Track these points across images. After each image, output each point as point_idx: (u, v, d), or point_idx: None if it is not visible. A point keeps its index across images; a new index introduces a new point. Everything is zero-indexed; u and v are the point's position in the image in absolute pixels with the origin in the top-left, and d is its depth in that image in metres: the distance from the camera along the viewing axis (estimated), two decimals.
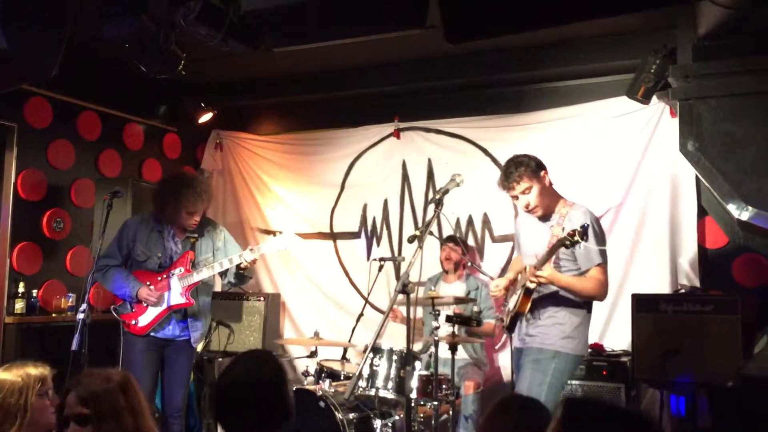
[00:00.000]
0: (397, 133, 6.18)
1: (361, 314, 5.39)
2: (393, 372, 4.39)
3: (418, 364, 4.56)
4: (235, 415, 2.36)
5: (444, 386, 4.46)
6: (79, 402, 2.22)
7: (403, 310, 3.75)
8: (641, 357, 4.39)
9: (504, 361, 5.52)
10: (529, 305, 3.66)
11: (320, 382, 4.71)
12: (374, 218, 6.27)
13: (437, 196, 3.85)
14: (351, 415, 4.43)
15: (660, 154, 5.15)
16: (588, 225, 3.46)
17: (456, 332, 4.44)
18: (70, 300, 5.68)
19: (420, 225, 5.93)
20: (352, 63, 5.82)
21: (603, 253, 3.66)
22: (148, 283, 4.44)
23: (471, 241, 5.85)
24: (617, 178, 5.28)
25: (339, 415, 4.35)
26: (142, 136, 6.54)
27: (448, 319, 4.43)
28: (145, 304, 4.42)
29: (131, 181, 5.58)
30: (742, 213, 4.58)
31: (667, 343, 4.24)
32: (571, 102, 5.53)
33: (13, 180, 5.45)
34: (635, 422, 1.46)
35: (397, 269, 6.01)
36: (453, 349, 4.41)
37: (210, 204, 4.85)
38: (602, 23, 4.69)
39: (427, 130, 6.09)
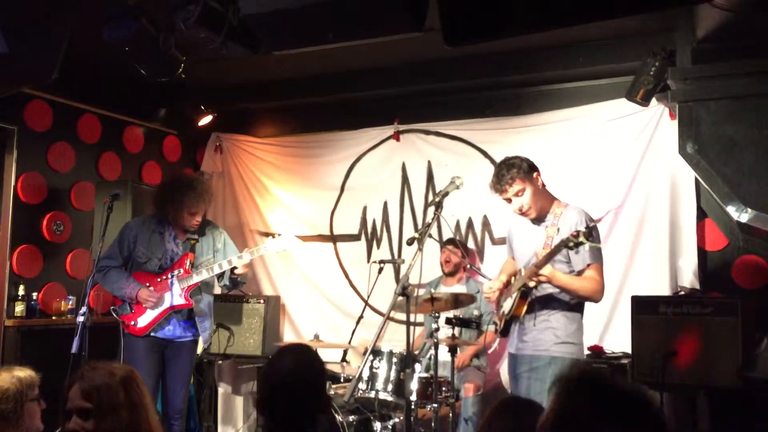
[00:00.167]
0: (396, 136, 6.18)
1: (361, 316, 5.39)
2: (393, 374, 4.39)
3: (418, 367, 4.56)
4: (282, 406, 2.39)
5: (444, 389, 4.47)
6: (82, 396, 2.22)
7: (402, 312, 3.75)
8: (641, 359, 4.39)
9: (504, 363, 5.51)
10: (525, 308, 3.62)
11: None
12: (374, 220, 6.27)
13: (437, 199, 3.85)
14: (351, 418, 4.43)
15: (659, 157, 5.16)
16: (593, 226, 3.44)
17: (456, 335, 4.45)
18: (70, 303, 5.68)
19: (420, 227, 5.93)
20: (351, 66, 5.82)
21: (598, 253, 3.63)
22: (148, 284, 4.46)
23: (471, 244, 5.85)
24: (616, 180, 5.28)
25: (339, 418, 4.35)
26: (142, 139, 6.55)
27: (448, 321, 4.43)
28: (144, 306, 4.43)
29: (131, 184, 5.59)
30: (741, 215, 4.58)
31: (666, 346, 4.24)
32: (571, 104, 5.53)
33: (13, 183, 5.45)
34: (635, 403, 1.46)
35: (397, 271, 6.01)
36: (453, 351, 4.41)
37: (211, 204, 4.87)
38: (601, 26, 4.69)
39: (427, 132, 6.09)
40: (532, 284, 3.58)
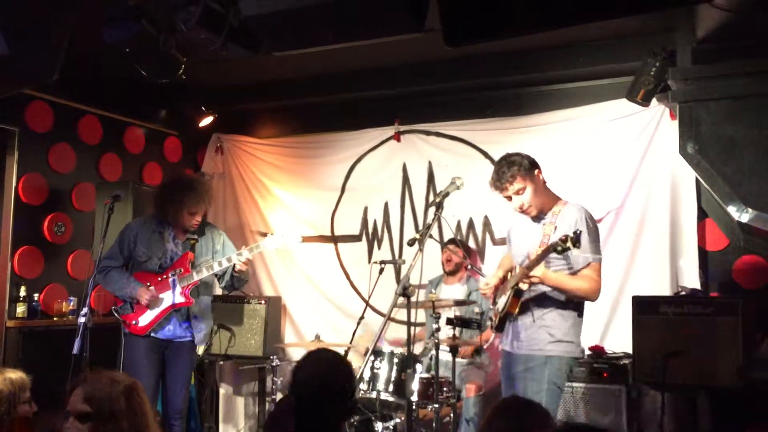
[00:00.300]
0: (397, 136, 6.18)
1: (362, 317, 5.39)
2: (394, 375, 4.39)
3: (419, 367, 4.56)
4: (309, 412, 2.39)
5: (445, 389, 4.47)
6: (84, 400, 2.24)
7: (403, 312, 3.75)
8: (642, 359, 4.39)
9: None
10: (518, 306, 3.60)
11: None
12: (375, 221, 6.27)
13: (438, 199, 3.85)
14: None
15: (660, 157, 5.16)
16: (581, 231, 3.39)
17: (457, 334, 4.45)
18: (72, 304, 5.69)
19: (420, 228, 5.92)
20: (352, 66, 5.83)
21: (596, 252, 3.59)
22: (148, 284, 4.49)
23: (472, 244, 5.85)
24: (617, 180, 5.28)
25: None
26: (143, 140, 6.55)
27: (449, 321, 4.43)
28: (142, 303, 4.46)
29: (132, 185, 5.59)
30: (742, 215, 4.59)
31: (667, 346, 4.24)
32: (571, 105, 5.53)
33: (14, 184, 5.46)
34: None
35: (398, 272, 6.01)
36: (454, 351, 4.41)
37: (211, 204, 4.89)
38: (602, 26, 4.69)
39: (428, 132, 6.10)
40: (524, 287, 3.56)
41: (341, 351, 5.36)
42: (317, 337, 5.33)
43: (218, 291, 5.36)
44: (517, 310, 3.60)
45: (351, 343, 5.39)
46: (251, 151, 6.75)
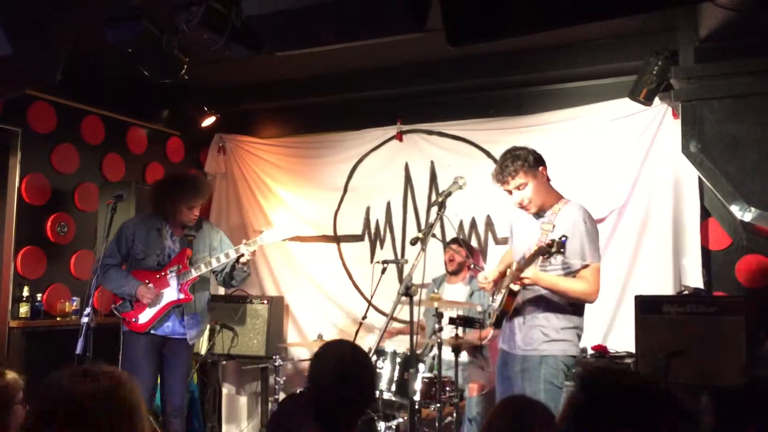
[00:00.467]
0: (399, 136, 6.19)
1: (365, 317, 5.39)
2: (396, 374, 4.39)
3: (421, 367, 4.56)
4: (329, 403, 2.39)
5: (448, 388, 4.47)
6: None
7: (406, 311, 3.74)
8: (645, 359, 4.38)
9: None
10: (513, 305, 3.57)
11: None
12: (377, 221, 6.28)
13: (440, 199, 3.85)
14: None
15: (662, 156, 5.15)
16: (566, 239, 3.36)
17: (459, 334, 4.44)
18: (75, 304, 5.69)
19: (423, 227, 5.93)
20: (354, 66, 5.83)
21: (593, 253, 3.56)
22: (147, 281, 4.51)
23: (474, 243, 5.85)
24: (620, 180, 5.28)
25: None
26: (146, 140, 6.56)
27: (451, 321, 4.43)
28: (142, 302, 4.46)
29: (135, 185, 5.60)
30: (745, 214, 4.58)
31: (670, 345, 4.24)
32: (574, 104, 5.53)
33: (17, 184, 5.47)
34: (652, 394, 1.48)
35: (400, 272, 6.01)
36: (456, 351, 4.41)
37: (207, 198, 4.91)
38: (604, 25, 4.69)
39: (430, 132, 6.10)
40: (515, 288, 3.54)
41: None
42: (320, 337, 5.33)
43: (221, 291, 5.37)
44: (512, 308, 3.58)
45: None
46: (253, 151, 6.75)
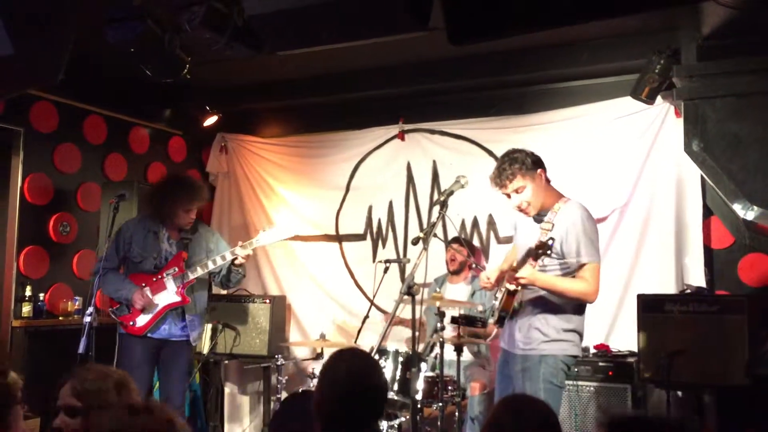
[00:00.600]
0: (401, 135, 6.18)
1: (367, 316, 5.40)
2: (399, 374, 4.39)
3: (423, 366, 4.56)
4: (338, 413, 2.32)
5: (450, 387, 4.47)
6: (72, 394, 2.22)
7: (408, 311, 3.75)
8: (647, 357, 4.38)
9: None
10: (513, 304, 3.56)
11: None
12: (379, 220, 6.28)
13: (442, 198, 3.84)
14: None
15: (664, 155, 5.15)
16: (553, 240, 3.35)
17: (461, 333, 4.44)
18: (77, 303, 5.70)
19: (425, 227, 5.93)
20: (356, 65, 5.83)
21: (592, 253, 3.53)
22: (143, 284, 4.53)
23: (476, 243, 5.85)
24: (622, 178, 5.27)
25: None
26: (148, 140, 6.57)
27: (453, 320, 4.43)
28: (135, 307, 4.47)
29: (137, 185, 5.61)
30: (747, 213, 4.57)
31: (672, 344, 4.23)
32: (575, 103, 5.53)
33: (19, 184, 5.47)
34: None
35: (402, 271, 6.01)
36: (458, 350, 4.41)
37: (205, 201, 4.92)
38: (605, 24, 4.68)
39: (432, 131, 6.09)
40: (511, 288, 3.53)
41: None
42: (322, 336, 5.33)
43: (214, 289, 5.37)
44: (511, 308, 3.58)
45: (356, 342, 5.39)
46: (255, 150, 6.76)
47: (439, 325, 4.26)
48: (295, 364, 6.29)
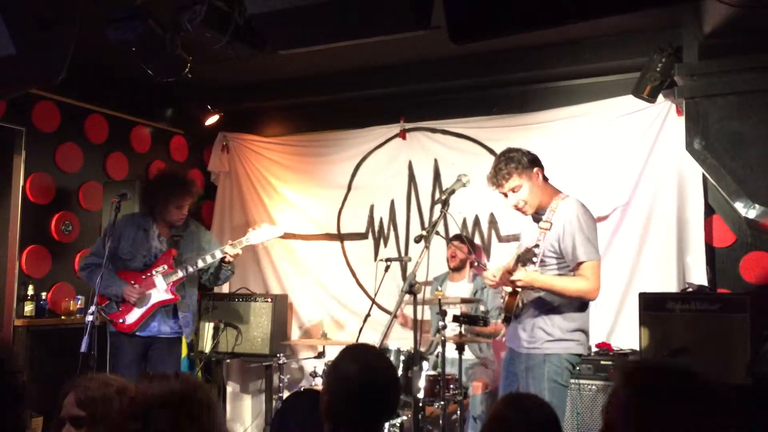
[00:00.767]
0: (403, 134, 6.19)
1: (368, 315, 5.40)
2: (400, 372, 4.39)
3: (425, 365, 4.56)
4: (346, 412, 2.23)
5: (452, 386, 4.47)
6: (77, 404, 2.22)
7: (409, 310, 3.75)
8: (649, 356, 4.38)
9: None
10: (515, 304, 3.56)
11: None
12: (381, 219, 6.28)
13: (443, 197, 3.84)
14: None
15: (666, 153, 5.14)
16: (538, 244, 3.38)
17: (463, 332, 4.44)
18: (79, 302, 5.71)
19: (427, 225, 5.93)
20: (357, 64, 5.83)
21: (589, 250, 3.51)
22: (132, 282, 4.52)
23: (478, 241, 5.85)
24: (623, 177, 5.27)
25: None
26: (149, 139, 6.57)
27: (455, 319, 4.43)
28: (128, 301, 4.49)
29: (138, 184, 5.61)
30: (749, 211, 4.57)
31: (674, 342, 4.23)
32: (577, 101, 5.53)
33: (21, 183, 5.48)
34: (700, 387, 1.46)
35: (404, 269, 6.01)
36: (460, 349, 4.41)
37: (197, 197, 4.93)
38: (607, 22, 4.68)
39: (433, 130, 6.10)
40: (508, 289, 3.53)
41: None
42: (324, 335, 5.33)
43: (224, 288, 5.37)
44: (514, 307, 3.58)
45: (357, 341, 5.39)
46: (257, 149, 6.76)
47: (440, 323, 4.26)
48: (296, 363, 6.30)
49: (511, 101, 5.84)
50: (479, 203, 5.72)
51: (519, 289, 3.53)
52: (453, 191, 3.84)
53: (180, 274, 4.55)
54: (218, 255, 4.58)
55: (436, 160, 6.06)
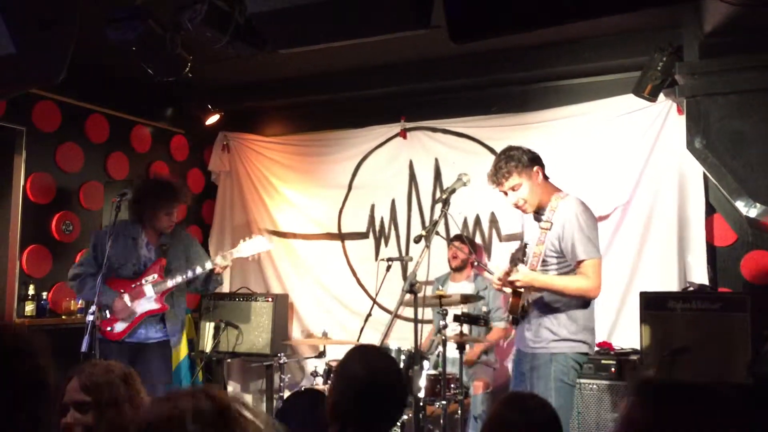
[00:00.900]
0: (403, 133, 6.19)
1: (369, 314, 5.40)
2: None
3: (426, 364, 4.56)
4: (353, 414, 2.22)
5: (453, 386, 4.47)
6: (81, 389, 2.21)
7: (410, 309, 3.75)
8: (649, 355, 4.38)
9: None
10: (520, 306, 3.56)
11: (329, 382, 4.72)
12: (382, 218, 6.28)
13: (444, 196, 3.83)
14: None
15: (667, 152, 5.14)
16: (528, 244, 3.42)
17: (464, 332, 4.45)
18: (80, 302, 5.71)
19: (427, 225, 5.93)
20: (358, 64, 5.83)
21: (589, 248, 3.50)
22: (122, 290, 4.50)
23: (478, 240, 5.85)
24: (624, 176, 5.27)
25: None
26: (150, 139, 6.57)
27: (456, 318, 4.43)
28: (118, 317, 4.47)
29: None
30: (750, 210, 4.56)
31: (675, 342, 4.23)
32: (578, 100, 5.53)
33: (22, 183, 5.48)
34: (718, 401, 1.45)
35: (405, 269, 6.01)
36: (461, 348, 4.41)
37: (186, 203, 4.92)
38: (607, 22, 4.68)
39: (434, 129, 6.10)
40: (507, 291, 3.53)
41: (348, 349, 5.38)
42: (324, 335, 5.33)
43: (224, 288, 5.35)
44: (519, 308, 3.58)
45: (358, 341, 5.39)
46: (258, 149, 6.76)
47: (442, 323, 4.26)
48: (297, 363, 6.30)
49: (511, 100, 5.84)
50: (480, 202, 5.72)
51: (521, 290, 3.53)
52: (454, 190, 3.84)
53: (169, 284, 4.53)
54: (208, 266, 4.57)
55: (436, 160, 6.06)
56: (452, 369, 4.61)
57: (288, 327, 6.37)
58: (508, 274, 3.49)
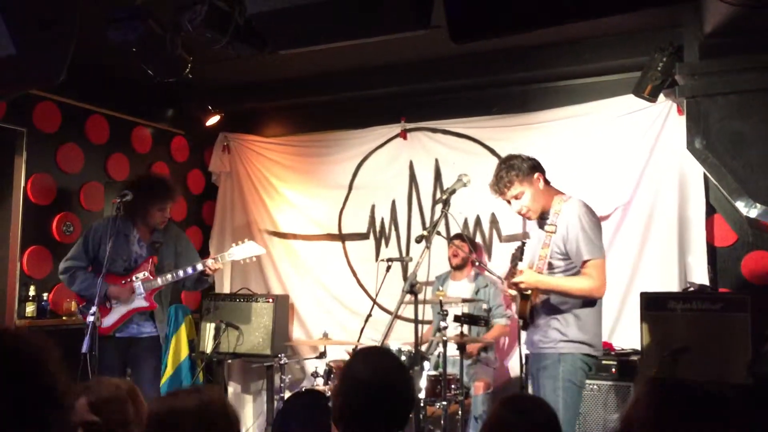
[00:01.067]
0: (403, 134, 6.19)
1: (370, 315, 5.40)
2: None
3: (426, 364, 4.56)
4: (358, 419, 2.19)
5: (453, 386, 4.47)
6: (91, 409, 2.19)
7: (410, 309, 3.75)
8: (650, 356, 4.37)
9: (513, 361, 5.51)
10: (528, 308, 3.58)
11: (330, 382, 4.72)
12: (382, 219, 6.28)
13: (444, 197, 3.85)
14: None
15: (667, 153, 5.14)
16: (524, 243, 3.45)
17: (465, 332, 4.45)
18: (79, 305, 5.70)
19: (428, 225, 5.94)
20: (358, 64, 5.83)
21: (593, 249, 3.53)
22: (112, 286, 4.52)
23: (479, 241, 5.85)
24: (624, 176, 5.27)
25: None
26: (150, 140, 6.57)
27: (457, 318, 4.43)
28: (109, 305, 4.49)
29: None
30: (750, 210, 4.56)
31: (675, 342, 4.23)
32: (578, 101, 5.52)
33: (22, 184, 5.48)
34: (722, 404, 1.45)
35: (405, 270, 6.01)
36: (462, 348, 4.41)
37: (178, 200, 4.93)
38: (607, 22, 4.68)
39: (434, 130, 6.09)
40: (512, 293, 3.55)
41: (349, 349, 5.38)
42: (325, 335, 5.33)
43: (225, 288, 5.34)
44: (527, 312, 3.59)
45: (359, 341, 5.39)
46: (258, 149, 6.76)
47: (443, 323, 4.26)
48: (298, 363, 6.30)
49: (511, 101, 5.84)
50: (480, 203, 5.72)
51: (529, 292, 3.55)
52: (454, 191, 3.85)
53: (159, 282, 4.55)
54: (199, 268, 4.59)
55: (437, 160, 6.06)
56: (453, 369, 4.61)
57: (288, 328, 6.37)
58: (512, 275, 3.50)
